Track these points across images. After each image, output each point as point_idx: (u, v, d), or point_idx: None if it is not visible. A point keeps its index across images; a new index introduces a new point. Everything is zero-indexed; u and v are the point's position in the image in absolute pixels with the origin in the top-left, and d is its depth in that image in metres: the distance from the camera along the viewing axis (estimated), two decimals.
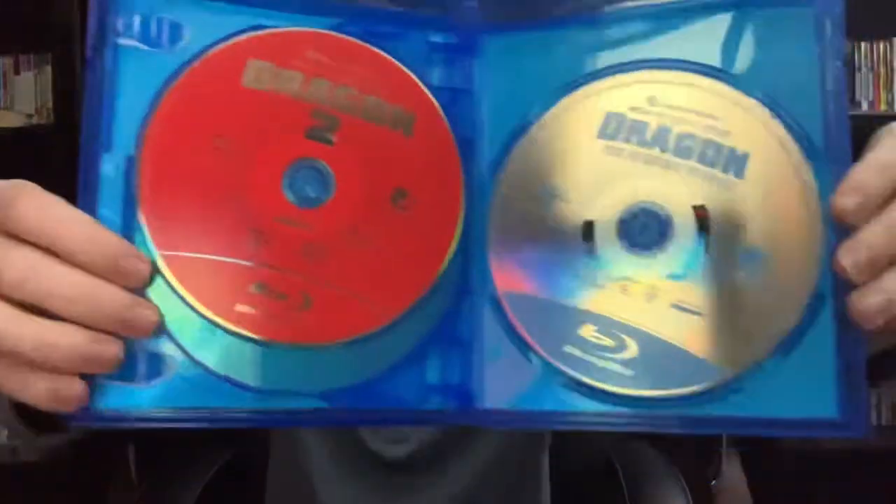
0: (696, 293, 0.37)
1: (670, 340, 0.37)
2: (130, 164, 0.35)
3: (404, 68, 0.39)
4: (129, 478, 0.62)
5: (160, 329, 0.34)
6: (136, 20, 0.36)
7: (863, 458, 1.73)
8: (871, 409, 0.34)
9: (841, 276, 0.33)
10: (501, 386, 0.38)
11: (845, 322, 0.33)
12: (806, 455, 1.63)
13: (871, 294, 0.32)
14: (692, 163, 0.37)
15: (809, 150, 0.36)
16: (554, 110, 0.39)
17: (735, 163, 0.37)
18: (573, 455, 0.53)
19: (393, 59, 0.39)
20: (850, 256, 0.32)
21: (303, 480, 0.51)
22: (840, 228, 0.33)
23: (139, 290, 0.34)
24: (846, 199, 0.32)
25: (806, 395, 0.35)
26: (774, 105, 0.36)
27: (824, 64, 0.36)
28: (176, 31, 0.37)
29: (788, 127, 0.36)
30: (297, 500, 0.52)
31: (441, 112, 0.39)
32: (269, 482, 0.53)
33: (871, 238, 0.32)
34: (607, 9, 0.39)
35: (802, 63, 0.36)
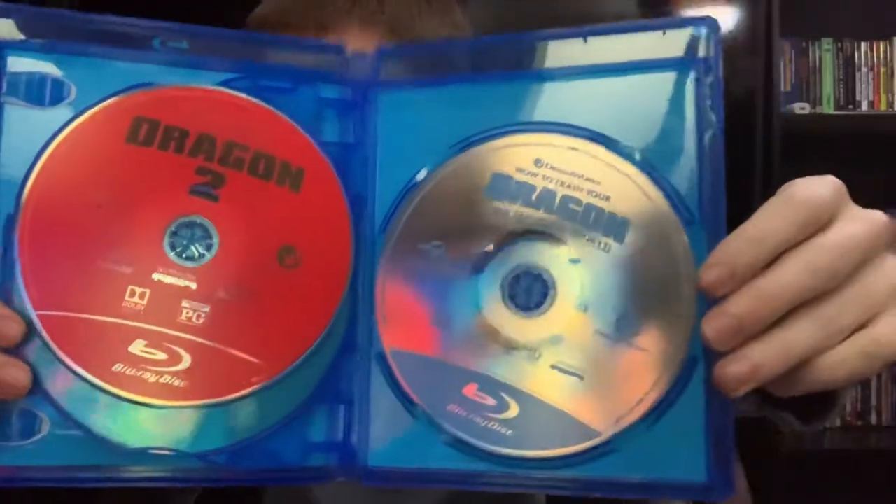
0: (575, 355, 0.41)
1: (549, 401, 0.41)
2: (10, 223, 0.39)
3: (294, 123, 0.43)
4: None
5: (35, 388, 0.38)
6: (20, 79, 0.40)
7: (863, 458, 1.79)
8: (737, 473, 0.37)
9: (706, 344, 0.37)
10: (386, 443, 0.42)
11: (713, 387, 0.37)
12: (806, 455, 1.70)
13: (733, 362, 0.35)
14: (575, 226, 0.41)
15: (686, 216, 0.40)
16: (443, 168, 0.43)
17: (615, 227, 0.41)
18: None
19: (282, 115, 0.43)
20: (713, 325, 0.36)
21: None
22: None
23: (14, 349, 0.38)
24: (712, 272, 0.36)
25: (677, 458, 0.39)
26: (652, 171, 0.40)
27: (701, 131, 0.40)
28: (60, 89, 0.40)
29: (665, 193, 0.40)
30: (294, 501, 0.55)
31: (331, 167, 0.43)
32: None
33: (735, 308, 0.35)
34: (499, 70, 0.43)
35: (680, 129, 0.40)
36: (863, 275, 0.37)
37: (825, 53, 1.97)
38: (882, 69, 1.96)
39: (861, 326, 0.37)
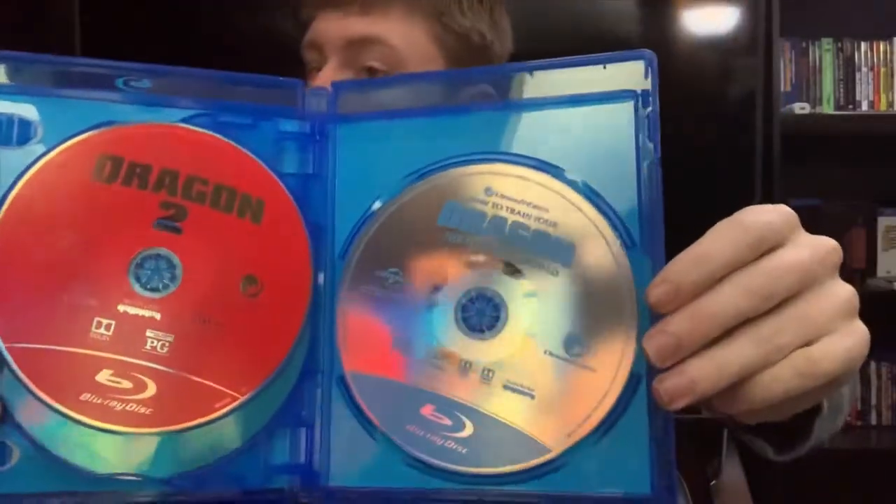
0: (526, 375, 0.43)
1: (502, 419, 0.43)
2: None
3: (254, 157, 0.45)
4: None
5: (4, 418, 0.40)
6: None
7: (863, 458, 1.81)
8: (736, 473, 0.40)
9: (647, 360, 0.39)
10: (347, 464, 0.44)
11: (655, 403, 0.39)
12: (806, 455, 1.72)
13: (672, 377, 0.38)
14: (524, 252, 0.44)
15: (627, 239, 0.42)
16: (399, 198, 0.46)
17: (562, 252, 0.43)
18: None
19: (243, 149, 0.45)
20: (653, 343, 0.38)
21: None
22: (653, 314, 0.40)
23: None
24: (658, 290, 0.38)
25: (623, 473, 0.41)
26: (596, 197, 0.43)
27: (640, 160, 0.42)
28: (28, 129, 0.43)
29: (608, 218, 0.42)
30: None
31: (291, 198, 0.46)
32: None
33: (673, 326, 0.38)
34: (449, 103, 0.46)
35: (620, 159, 0.42)
36: (804, 297, 0.39)
37: (825, 53, 1.99)
38: (882, 69, 1.98)
39: (802, 347, 0.39)
